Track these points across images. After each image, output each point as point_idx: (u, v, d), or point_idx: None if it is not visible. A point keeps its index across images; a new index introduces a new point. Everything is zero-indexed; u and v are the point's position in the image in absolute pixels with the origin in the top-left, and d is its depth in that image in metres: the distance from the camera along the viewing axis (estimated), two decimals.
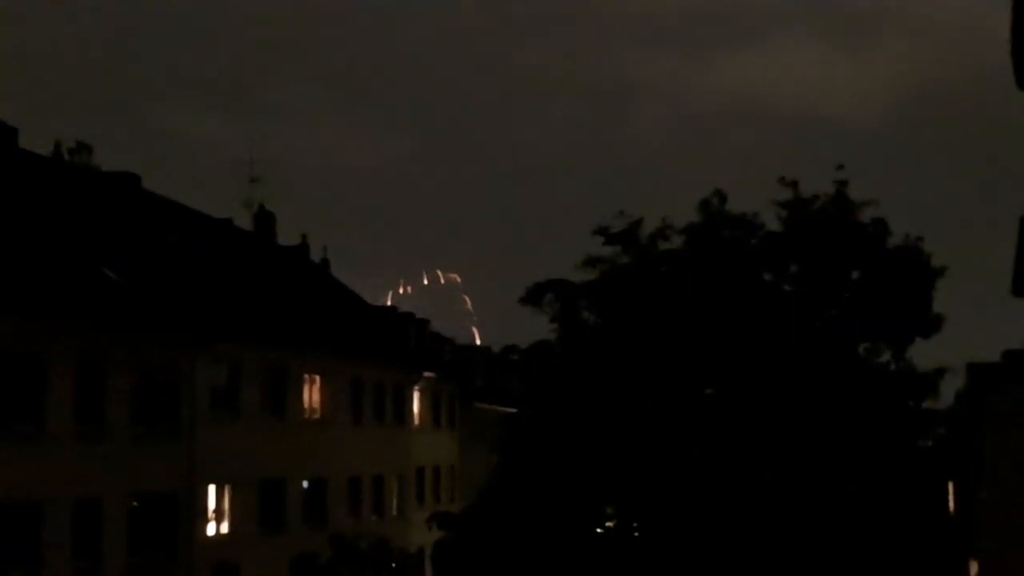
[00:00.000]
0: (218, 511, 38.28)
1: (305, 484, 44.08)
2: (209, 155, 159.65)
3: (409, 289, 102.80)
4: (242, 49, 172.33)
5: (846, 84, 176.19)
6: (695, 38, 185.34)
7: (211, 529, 37.78)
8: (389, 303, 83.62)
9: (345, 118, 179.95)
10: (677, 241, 31.99)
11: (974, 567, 30.08)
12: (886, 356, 30.85)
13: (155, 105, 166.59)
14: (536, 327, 34.17)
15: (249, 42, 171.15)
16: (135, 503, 33.66)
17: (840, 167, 30.83)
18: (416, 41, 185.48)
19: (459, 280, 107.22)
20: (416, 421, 55.78)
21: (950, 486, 33.14)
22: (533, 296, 32.76)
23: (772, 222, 31.47)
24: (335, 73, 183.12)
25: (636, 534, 32.31)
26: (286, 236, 55.67)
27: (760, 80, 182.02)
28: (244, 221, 52.52)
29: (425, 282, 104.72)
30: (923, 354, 30.50)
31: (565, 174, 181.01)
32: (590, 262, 32.16)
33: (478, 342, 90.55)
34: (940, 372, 29.90)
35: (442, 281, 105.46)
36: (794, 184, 30.88)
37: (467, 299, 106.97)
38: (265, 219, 53.90)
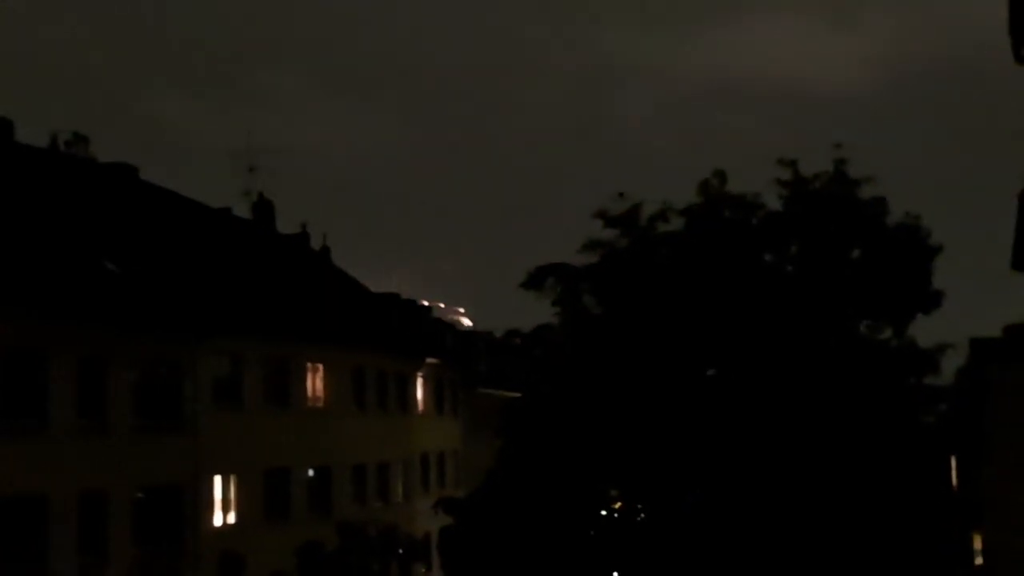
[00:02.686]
0: (224, 502, 38.35)
1: (310, 472, 44.15)
2: (202, 145, 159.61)
3: (405, 275, 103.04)
4: (227, 35, 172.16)
5: (836, 59, 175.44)
6: (679, 16, 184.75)
7: (217, 520, 37.86)
8: (390, 289, 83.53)
9: (332, 103, 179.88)
10: (677, 223, 31.93)
11: (978, 541, 30.15)
12: (887, 333, 30.85)
13: (145, 95, 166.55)
14: (527, 310, 34.21)
15: (235, 28, 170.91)
16: (140, 495, 33.73)
17: (838, 145, 30.79)
18: (403, 25, 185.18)
19: (449, 267, 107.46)
20: (420, 407, 55.80)
21: (953, 461, 33.16)
22: (534, 280, 32.71)
23: (772, 201, 31.41)
24: (322, 59, 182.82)
25: (641, 516, 32.33)
26: (285, 224, 55.67)
27: (747, 57, 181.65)
28: (242, 210, 52.50)
29: (419, 268, 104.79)
30: (924, 330, 30.51)
31: (552, 158, 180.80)
32: (590, 245, 32.09)
33: (467, 324, 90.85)
34: (941, 348, 29.90)
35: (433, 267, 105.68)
36: (793, 163, 30.82)
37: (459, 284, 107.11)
38: (264, 208, 53.84)
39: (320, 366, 45.16)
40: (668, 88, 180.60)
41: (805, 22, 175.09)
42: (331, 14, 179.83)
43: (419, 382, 55.87)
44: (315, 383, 45.00)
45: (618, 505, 32.84)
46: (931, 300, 30.07)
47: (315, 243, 57.70)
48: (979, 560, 30.14)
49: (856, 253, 31.15)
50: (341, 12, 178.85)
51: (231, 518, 38.57)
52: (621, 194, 31.84)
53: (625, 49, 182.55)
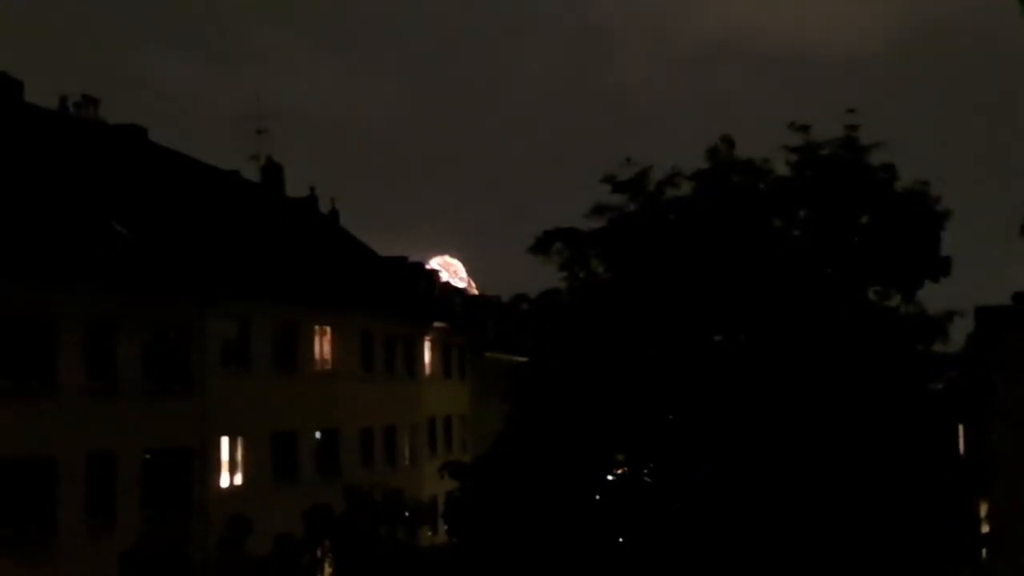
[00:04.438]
0: (231, 464, 38.49)
1: (317, 436, 44.27)
2: (208, 107, 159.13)
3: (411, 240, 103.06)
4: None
5: (841, 19, 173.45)
6: None
7: (224, 482, 38.00)
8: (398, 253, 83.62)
9: (333, 64, 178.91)
10: (686, 188, 31.82)
11: (984, 508, 30.15)
12: (896, 300, 30.76)
13: (147, 57, 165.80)
14: (534, 275, 34.16)
15: None
16: (148, 458, 33.86)
17: (851, 110, 30.57)
18: None
19: (456, 232, 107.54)
20: (427, 371, 55.90)
21: (960, 429, 33.13)
22: (542, 244, 32.60)
23: (779, 166, 31.26)
24: (320, 19, 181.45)
25: (647, 482, 32.37)
26: (293, 188, 55.71)
27: (750, 17, 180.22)
28: (250, 173, 52.51)
29: (427, 233, 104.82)
30: (932, 297, 30.39)
31: (553, 120, 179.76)
32: (598, 210, 31.98)
33: (475, 291, 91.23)
34: (949, 315, 29.79)
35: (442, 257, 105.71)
36: (805, 128, 30.62)
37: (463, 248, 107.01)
38: (273, 171, 53.83)
39: (328, 330, 45.21)
40: (667, 48, 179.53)
41: None
42: None
43: (427, 346, 55.95)
44: (323, 347, 45.07)
45: (624, 471, 32.86)
46: (940, 267, 29.94)
47: (323, 207, 57.76)
48: (985, 528, 30.14)
49: (865, 219, 31.01)
50: None
51: (238, 481, 38.73)
52: (628, 159, 31.74)
53: (622, 8, 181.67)
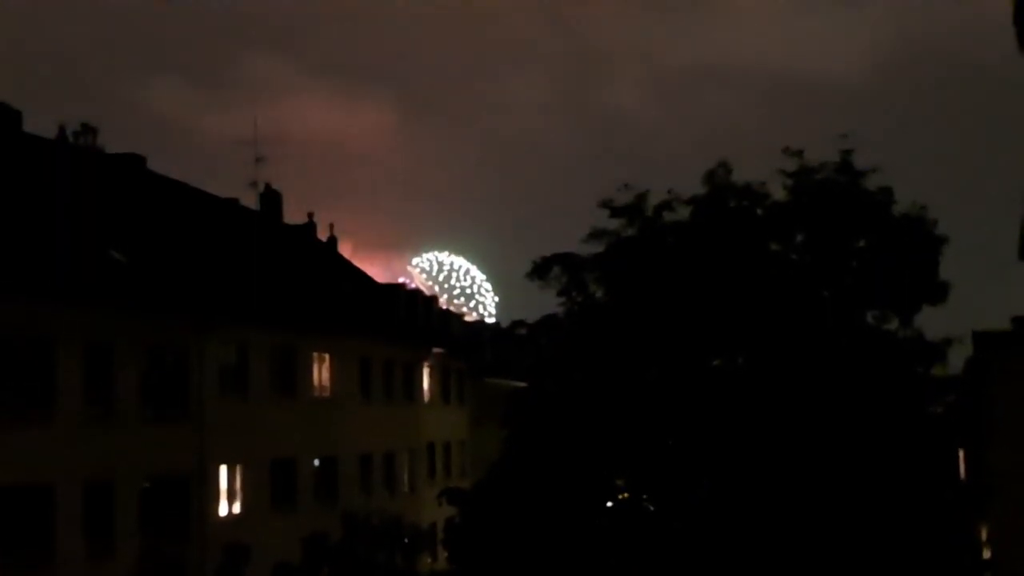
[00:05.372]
0: (229, 491, 38.39)
1: (316, 462, 44.17)
2: (209, 135, 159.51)
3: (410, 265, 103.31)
4: (219, 23, 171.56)
5: (832, 41, 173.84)
6: None
7: (223, 509, 37.90)
8: (397, 280, 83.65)
9: (330, 90, 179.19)
10: (683, 212, 31.90)
11: (984, 532, 30.10)
12: (894, 324, 30.79)
13: (146, 85, 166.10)
14: (529, 298, 34.27)
15: (218, 17, 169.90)
16: (146, 485, 33.78)
17: (844, 135, 30.70)
18: (392, 9, 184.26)
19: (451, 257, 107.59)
20: (426, 397, 55.84)
21: (960, 453, 33.10)
22: (540, 270, 32.69)
23: (775, 190, 31.35)
24: (318, 44, 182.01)
25: (648, 507, 32.32)
26: (291, 214, 55.84)
27: (744, 41, 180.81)
28: (249, 200, 52.65)
29: (422, 259, 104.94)
30: (930, 321, 30.43)
31: (549, 145, 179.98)
32: (596, 235, 32.08)
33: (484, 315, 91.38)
34: (948, 341, 29.81)
35: (439, 258, 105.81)
36: (799, 153, 30.74)
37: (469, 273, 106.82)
38: (271, 198, 53.96)
39: (326, 356, 45.19)
40: (658, 70, 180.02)
41: (802, 6, 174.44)
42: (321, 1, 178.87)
43: (425, 372, 55.91)
44: (321, 373, 45.03)
45: (624, 496, 32.80)
46: (938, 291, 29.98)
47: (322, 233, 57.85)
48: (987, 553, 30.10)
49: (862, 243, 31.08)
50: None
51: (237, 508, 38.62)
52: (626, 185, 31.85)
53: (618, 32, 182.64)
